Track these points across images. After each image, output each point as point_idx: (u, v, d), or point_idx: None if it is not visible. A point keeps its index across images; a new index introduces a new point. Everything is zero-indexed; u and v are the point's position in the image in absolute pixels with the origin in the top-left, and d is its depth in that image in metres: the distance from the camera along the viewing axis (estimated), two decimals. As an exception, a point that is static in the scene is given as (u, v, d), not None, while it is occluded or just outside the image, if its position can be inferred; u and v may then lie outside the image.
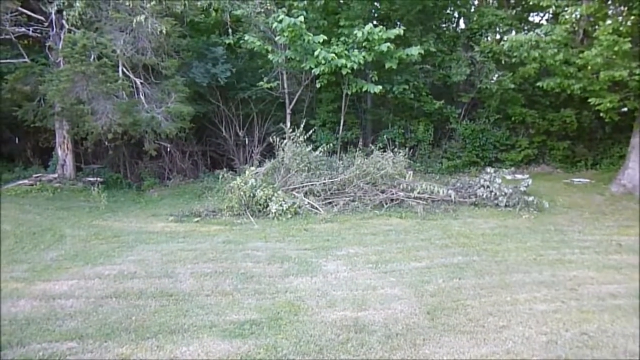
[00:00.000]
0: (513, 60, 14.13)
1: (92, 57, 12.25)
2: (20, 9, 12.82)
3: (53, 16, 12.97)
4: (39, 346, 4.58)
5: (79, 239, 8.52)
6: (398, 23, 15.52)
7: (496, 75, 15.92)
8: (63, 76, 11.95)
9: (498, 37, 17.37)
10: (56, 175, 14.37)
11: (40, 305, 5.49)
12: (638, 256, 7.59)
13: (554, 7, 12.96)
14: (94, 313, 5.32)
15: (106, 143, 14.59)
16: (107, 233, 8.92)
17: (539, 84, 13.55)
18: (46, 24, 13.27)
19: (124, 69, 12.75)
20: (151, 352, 4.53)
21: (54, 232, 8.88)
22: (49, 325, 5.00)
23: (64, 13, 12.61)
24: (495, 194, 11.25)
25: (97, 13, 12.66)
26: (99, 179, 14.49)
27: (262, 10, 14.79)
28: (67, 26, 12.71)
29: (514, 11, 18.00)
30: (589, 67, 11.64)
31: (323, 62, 12.98)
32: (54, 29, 13.14)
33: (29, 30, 13.23)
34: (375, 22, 14.66)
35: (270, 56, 13.99)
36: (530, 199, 10.95)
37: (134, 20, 12.04)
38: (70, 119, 13.51)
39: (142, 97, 12.91)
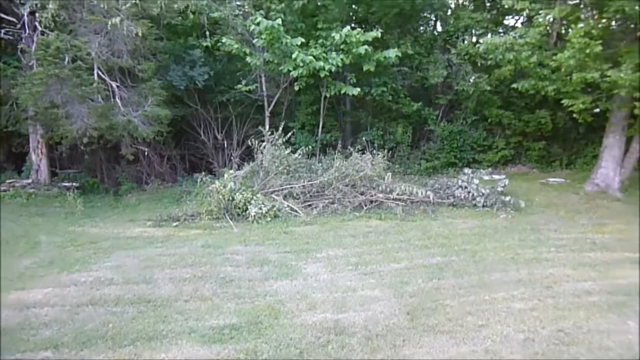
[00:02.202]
0: (489, 62, 14.32)
1: (66, 59, 12.03)
2: (-9, 10, 12.57)
3: (25, 18, 12.68)
4: (13, 357, 4.47)
5: (54, 245, 8.36)
6: (376, 26, 15.61)
7: (473, 78, 16.11)
8: (36, 79, 11.71)
9: (474, 39, 17.59)
10: (30, 180, 14.06)
11: (14, 315, 5.37)
12: (611, 253, 7.78)
13: (527, 11, 13.17)
14: (70, 321, 5.22)
15: (82, 147, 14.31)
16: (84, 239, 8.77)
17: (514, 85, 13.76)
18: (18, 25, 12.96)
19: (100, 72, 12.54)
20: (129, 359, 4.46)
21: (28, 239, 8.70)
22: (22, 335, 4.90)
23: (37, 15, 12.35)
24: (473, 194, 11.39)
25: (71, 15, 12.44)
26: (74, 184, 14.22)
27: (240, 12, 14.74)
28: (40, 28, 12.43)
29: (490, 14, 18.21)
30: (562, 69, 11.85)
31: (301, 64, 12.97)
32: (27, 31, 12.83)
33: (0, 32, 12.93)
34: (353, 25, 14.70)
35: (248, 59, 13.92)
36: (508, 199, 11.11)
37: (109, 23, 11.85)
38: (44, 123, 13.24)
39: (119, 101, 12.70)
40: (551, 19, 12.46)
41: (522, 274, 6.81)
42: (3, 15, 12.96)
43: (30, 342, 4.75)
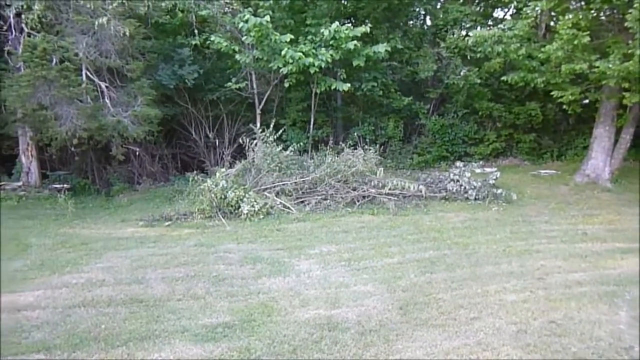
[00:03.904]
0: (478, 55, 14.33)
1: (54, 61, 11.94)
2: (-24, 13, 12.43)
3: (11, 20, 12.57)
4: (4, 360, 4.45)
5: (45, 247, 8.30)
6: (365, 21, 15.58)
7: (462, 71, 16.13)
8: (23, 81, 11.61)
9: (463, 33, 17.61)
10: (20, 183, 13.97)
11: (6, 318, 5.33)
12: (601, 243, 7.84)
13: (516, 2, 13.20)
14: (62, 323, 5.20)
15: (72, 149, 14.22)
16: (75, 241, 8.71)
17: (504, 78, 13.77)
18: (4, 27, 12.85)
19: (88, 73, 12.45)
20: (121, 360, 4.45)
21: (19, 242, 8.63)
22: (14, 338, 4.86)
23: (23, 16, 12.25)
24: (465, 187, 11.41)
25: (57, 16, 12.35)
26: (65, 185, 14.12)
27: (229, 10, 14.67)
28: (26, 30, 12.34)
29: (479, 7, 18.29)
30: (551, 61, 11.89)
31: (291, 61, 12.92)
32: (13, 33, 12.73)
33: (-14, 35, 12.84)
34: (341, 20, 14.66)
35: (237, 56, 13.86)
36: (499, 191, 11.15)
37: (96, 23, 11.78)
38: (32, 125, 13.11)
39: (108, 101, 12.62)
40: (539, 11, 12.47)
41: (514, 266, 6.84)
42: (-11, 18, 12.85)
43: (22, 345, 4.72)
